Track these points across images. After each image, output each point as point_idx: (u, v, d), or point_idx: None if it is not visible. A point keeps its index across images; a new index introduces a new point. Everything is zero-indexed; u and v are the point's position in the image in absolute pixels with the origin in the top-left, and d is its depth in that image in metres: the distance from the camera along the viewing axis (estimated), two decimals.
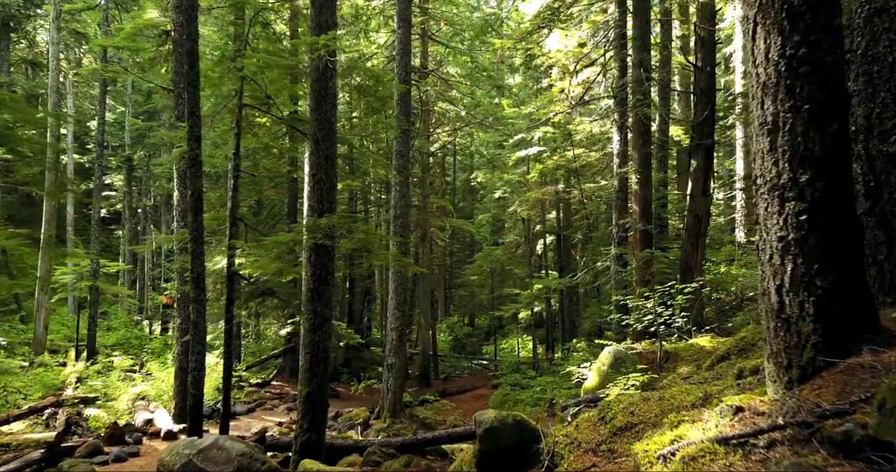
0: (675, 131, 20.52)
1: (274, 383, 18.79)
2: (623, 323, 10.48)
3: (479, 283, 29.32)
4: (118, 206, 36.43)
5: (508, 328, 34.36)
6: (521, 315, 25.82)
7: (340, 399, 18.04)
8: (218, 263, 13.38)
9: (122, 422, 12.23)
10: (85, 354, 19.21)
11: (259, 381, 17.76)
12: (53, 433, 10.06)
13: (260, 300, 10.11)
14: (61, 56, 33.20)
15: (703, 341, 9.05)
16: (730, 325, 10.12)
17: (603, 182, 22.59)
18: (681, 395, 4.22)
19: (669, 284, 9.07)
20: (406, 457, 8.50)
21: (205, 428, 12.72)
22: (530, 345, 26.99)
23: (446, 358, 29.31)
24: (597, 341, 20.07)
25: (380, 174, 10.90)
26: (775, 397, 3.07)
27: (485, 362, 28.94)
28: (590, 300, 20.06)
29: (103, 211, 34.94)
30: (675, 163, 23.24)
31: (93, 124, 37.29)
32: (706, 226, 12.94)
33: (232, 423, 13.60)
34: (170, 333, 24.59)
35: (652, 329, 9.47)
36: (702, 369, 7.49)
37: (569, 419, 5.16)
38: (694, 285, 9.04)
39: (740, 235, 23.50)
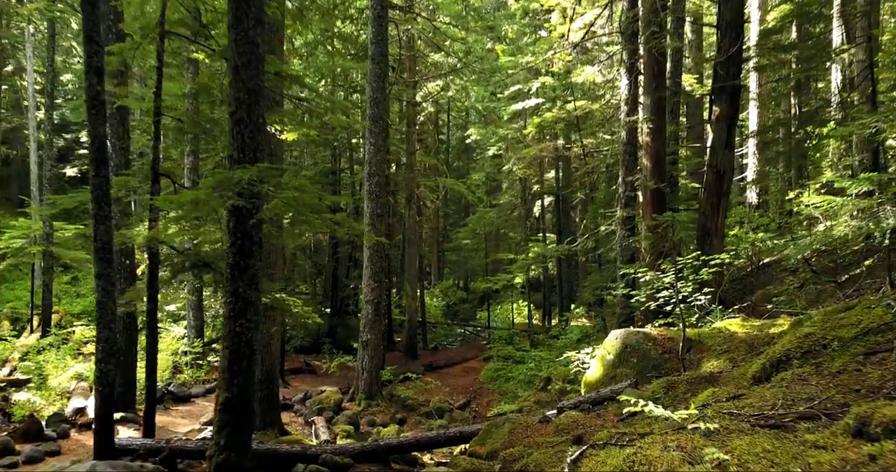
0: (687, 80, 18.50)
1: None
2: (631, 298, 8.73)
3: (473, 247, 27.55)
4: None
5: (504, 294, 32.80)
6: (516, 280, 24.14)
7: (316, 376, 16.51)
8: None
9: (51, 410, 10.64)
10: (42, 325, 17.63)
11: None
12: None
13: (195, 274, 8.35)
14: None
15: (733, 325, 7.33)
16: (769, 306, 8.36)
17: (606, 137, 20.63)
18: (757, 462, 2.46)
19: (694, 254, 7.29)
20: (366, 468, 6.89)
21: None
22: (526, 311, 25.45)
23: (438, 325, 27.83)
24: (598, 312, 18.50)
25: (342, 121, 9.26)
26: None
27: (478, 328, 27.47)
28: (591, 267, 18.38)
29: (73, 170, 32.98)
30: (684, 120, 21.25)
31: (66, 77, 35.03)
32: (729, 184, 11.11)
33: (183, 408, 12.04)
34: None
35: (668, 308, 7.73)
36: (739, 366, 5.78)
37: (566, 468, 3.43)
38: (724, 256, 7.27)
39: (752, 195, 21.73)
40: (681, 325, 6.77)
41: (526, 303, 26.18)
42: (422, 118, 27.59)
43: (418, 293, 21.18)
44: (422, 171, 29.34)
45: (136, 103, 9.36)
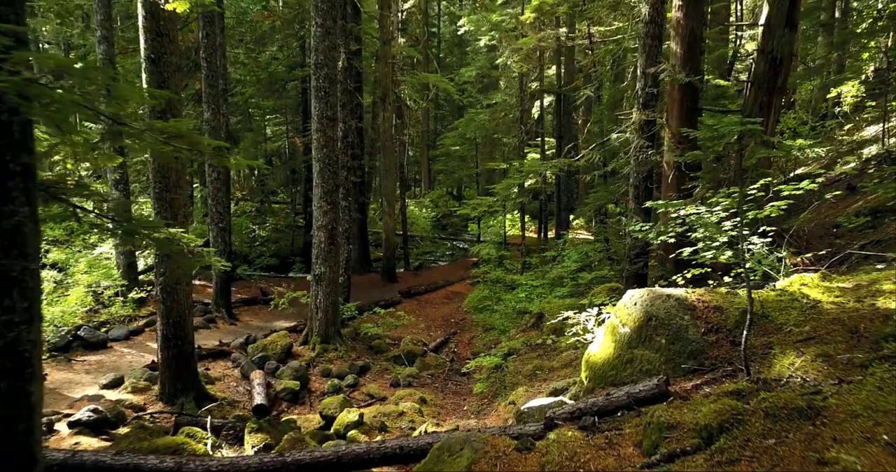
0: None
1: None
2: (648, 238, 6.14)
3: (462, 154, 24.73)
4: None
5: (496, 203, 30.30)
6: (513, 192, 21.51)
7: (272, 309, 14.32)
8: None
9: None
10: None
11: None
12: None
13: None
14: None
15: (811, 286, 4.92)
16: (870, 255, 5.80)
17: (617, 24, 17.33)
18: None
19: (762, 180, 4.76)
20: None
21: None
22: (520, 222, 23.07)
23: (425, 240, 25.61)
24: (600, 230, 15.99)
25: None
26: None
27: (469, 241, 25.30)
28: (594, 178, 15.82)
29: None
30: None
31: None
32: (786, 76, 8.34)
33: (94, 357, 9.88)
34: None
35: (708, 255, 5.28)
36: (853, 378, 3.46)
37: None
38: (805, 183, 4.69)
39: None
40: (749, 295, 4.32)
41: (519, 214, 23.78)
42: (408, 5, 24.03)
43: (398, 209, 18.73)
44: (404, 66, 25.96)
45: None
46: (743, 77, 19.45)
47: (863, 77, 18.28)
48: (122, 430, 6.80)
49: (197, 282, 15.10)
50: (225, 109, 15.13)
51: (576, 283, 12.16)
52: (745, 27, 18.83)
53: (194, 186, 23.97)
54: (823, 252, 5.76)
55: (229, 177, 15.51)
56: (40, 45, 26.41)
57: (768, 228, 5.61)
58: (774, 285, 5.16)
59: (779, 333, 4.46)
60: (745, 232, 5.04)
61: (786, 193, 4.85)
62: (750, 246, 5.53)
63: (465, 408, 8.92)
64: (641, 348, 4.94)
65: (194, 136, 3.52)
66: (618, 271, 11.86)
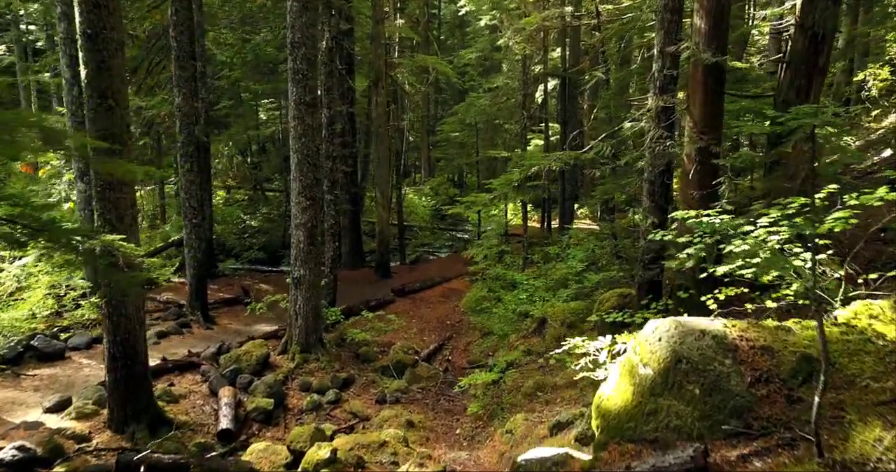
0: None
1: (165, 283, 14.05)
2: (685, 266, 4.97)
3: (462, 141, 23.56)
4: None
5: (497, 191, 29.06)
6: (510, 186, 20.30)
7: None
8: None
9: None
10: None
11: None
12: None
13: None
14: None
15: (882, 320, 3.89)
16: None
17: (626, 2, 16.11)
18: None
19: (828, 189, 3.74)
20: None
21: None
22: (522, 216, 21.98)
23: (423, 231, 24.56)
24: (607, 227, 14.84)
25: None
26: None
27: (469, 231, 24.26)
28: (604, 169, 14.68)
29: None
30: None
31: None
32: (828, 54, 7.24)
33: (48, 370, 8.90)
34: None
35: (745, 274, 4.25)
36: None
37: None
38: (882, 190, 3.64)
39: None
40: (820, 330, 3.31)
41: (521, 202, 22.65)
42: None
43: (393, 200, 17.68)
44: (403, 48, 24.75)
45: None
46: (754, 59, 18.25)
47: (886, 58, 17.07)
48: (57, 469, 5.86)
49: (176, 279, 14.14)
50: (203, 94, 14.06)
51: (581, 285, 11.15)
52: (756, 6, 17.58)
53: None
54: (893, 274, 4.70)
55: (208, 168, 14.51)
56: (21, 26, 25.30)
57: (820, 241, 4.58)
58: (836, 317, 4.13)
59: (852, 388, 3.44)
60: (795, 247, 4.05)
61: (852, 203, 3.82)
62: (798, 260, 4.49)
63: (457, 432, 7.96)
64: (668, 396, 3.92)
65: (52, 129, 2.50)
66: (627, 271, 10.82)
